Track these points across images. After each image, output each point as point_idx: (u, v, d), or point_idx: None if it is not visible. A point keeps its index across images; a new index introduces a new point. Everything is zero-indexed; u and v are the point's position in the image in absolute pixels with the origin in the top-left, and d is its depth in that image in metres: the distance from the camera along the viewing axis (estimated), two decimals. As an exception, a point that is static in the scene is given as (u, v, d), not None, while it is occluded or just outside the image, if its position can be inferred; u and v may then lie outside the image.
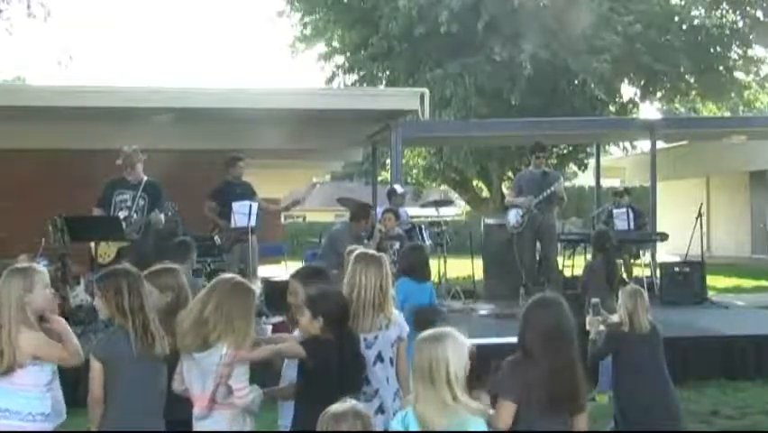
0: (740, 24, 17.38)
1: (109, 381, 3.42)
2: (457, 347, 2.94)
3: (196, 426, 3.41)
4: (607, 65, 14.74)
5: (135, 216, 7.47)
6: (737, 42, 17.35)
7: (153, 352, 3.46)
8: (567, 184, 9.67)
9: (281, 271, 13.21)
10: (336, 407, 2.69)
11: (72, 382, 6.19)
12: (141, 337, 3.43)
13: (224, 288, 3.45)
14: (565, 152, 18.15)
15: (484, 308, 9.43)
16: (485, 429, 2.93)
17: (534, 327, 3.31)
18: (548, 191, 8.90)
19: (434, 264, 9.18)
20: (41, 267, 3.80)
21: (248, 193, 8.49)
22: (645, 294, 4.84)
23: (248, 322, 3.43)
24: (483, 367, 3.27)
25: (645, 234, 10.69)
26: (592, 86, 15.11)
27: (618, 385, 4.72)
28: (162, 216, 7.38)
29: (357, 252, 4.21)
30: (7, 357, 3.46)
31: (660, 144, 13.80)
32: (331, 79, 18.12)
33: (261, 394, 3.53)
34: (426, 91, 10.41)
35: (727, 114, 19.71)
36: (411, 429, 2.90)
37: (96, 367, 3.44)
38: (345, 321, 3.66)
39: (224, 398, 3.35)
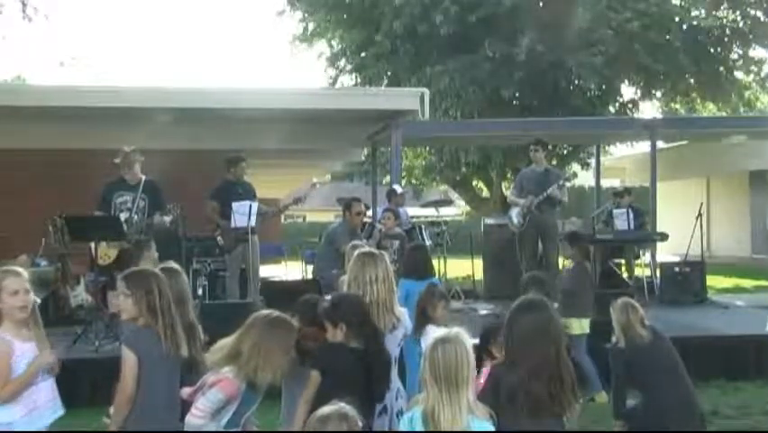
0: (740, 24, 17.37)
1: (138, 376, 3.36)
2: (472, 348, 2.93)
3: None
4: (600, 57, 14.73)
5: (136, 217, 7.45)
6: (737, 42, 17.35)
7: (179, 352, 3.45)
8: (567, 184, 9.62)
9: (281, 271, 13.23)
10: (323, 409, 2.68)
11: (71, 381, 6.20)
12: (170, 337, 3.42)
13: (262, 323, 3.35)
14: (565, 152, 18.15)
15: (484, 308, 9.44)
16: (492, 429, 2.91)
17: (517, 330, 3.27)
18: (544, 194, 8.90)
19: (434, 264, 9.19)
20: (17, 269, 3.64)
21: (249, 194, 8.47)
22: (638, 305, 4.71)
23: (284, 359, 3.33)
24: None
25: (645, 235, 10.69)
26: (586, 80, 15.13)
27: (642, 400, 4.60)
28: (167, 219, 7.36)
29: (359, 250, 4.18)
30: None
31: (660, 144, 13.81)
32: (333, 81, 18.16)
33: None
34: (426, 91, 10.41)
35: (727, 113, 19.71)
36: (417, 430, 2.88)
37: (130, 358, 3.36)
38: (367, 321, 3.64)
39: (188, 397, 3.32)
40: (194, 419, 3.20)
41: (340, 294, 3.86)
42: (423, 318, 4.54)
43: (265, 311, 3.45)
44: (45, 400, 3.56)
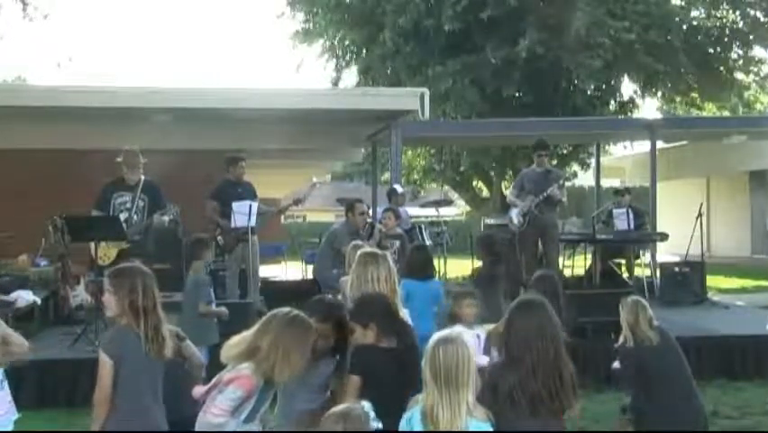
0: (740, 24, 17.38)
1: (118, 379, 3.33)
2: (474, 349, 2.93)
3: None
4: (600, 61, 14.75)
5: (135, 217, 7.44)
6: (737, 42, 17.35)
7: (162, 354, 3.40)
8: (567, 184, 9.63)
9: (281, 271, 13.24)
10: (333, 409, 2.69)
11: (71, 381, 6.20)
12: (152, 338, 3.35)
13: (282, 321, 3.31)
14: (565, 152, 18.17)
15: (484, 308, 9.41)
16: (490, 429, 2.91)
17: (515, 329, 3.27)
18: (544, 195, 8.90)
19: (434, 264, 9.21)
20: None
21: (249, 194, 8.46)
22: (647, 304, 4.66)
23: (303, 358, 3.29)
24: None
25: (645, 235, 10.69)
26: (583, 81, 15.12)
27: (643, 403, 4.55)
28: (166, 219, 7.35)
29: (362, 250, 4.18)
30: None
31: (660, 144, 13.81)
32: (335, 81, 18.18)
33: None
34: (426, 91, 10.40)
35: (727, 114, 19.71)
36: (416, 430, 2.88)
37: (106, 364, 3.34)
38: (396, 318, 3.62)
39: (201, 396, 3.30)
40: (214, 418, 3.16)
41: (362, 294, 3.82)
42: (450, 320, 4.56)
43: (284, 309, 3.39)
44: (3, 412, 3.51)
